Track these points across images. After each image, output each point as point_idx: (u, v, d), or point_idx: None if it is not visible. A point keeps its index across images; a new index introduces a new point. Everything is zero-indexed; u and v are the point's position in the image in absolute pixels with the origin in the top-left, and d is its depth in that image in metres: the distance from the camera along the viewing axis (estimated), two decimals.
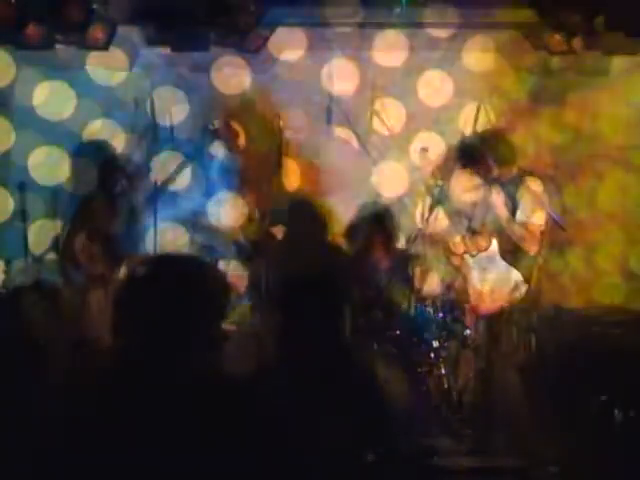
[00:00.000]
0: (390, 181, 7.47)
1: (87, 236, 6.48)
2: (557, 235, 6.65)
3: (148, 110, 7.50)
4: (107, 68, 7.66)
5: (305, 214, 6.73)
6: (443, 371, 6.29)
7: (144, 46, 7.58)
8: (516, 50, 7.58)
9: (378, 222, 6.71)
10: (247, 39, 7.40)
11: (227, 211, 7.27)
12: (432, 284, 6.73)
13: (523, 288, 6.42)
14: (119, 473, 2.41)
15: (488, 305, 6.49)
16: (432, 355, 6.33)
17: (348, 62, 7.82)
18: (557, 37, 7.07)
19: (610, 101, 7.73)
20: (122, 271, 6.14)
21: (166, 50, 7.39)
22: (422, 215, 6.61)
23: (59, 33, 7.17)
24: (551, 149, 7.76)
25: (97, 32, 7.16)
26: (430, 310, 6.49)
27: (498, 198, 6.38)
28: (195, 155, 7.56)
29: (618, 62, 7.59)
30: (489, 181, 6.42)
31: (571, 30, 6.85)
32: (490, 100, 7.52)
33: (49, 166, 7.40)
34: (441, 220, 6.62)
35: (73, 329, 5.80)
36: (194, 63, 7.62)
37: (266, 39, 7.49)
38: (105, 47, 7.25)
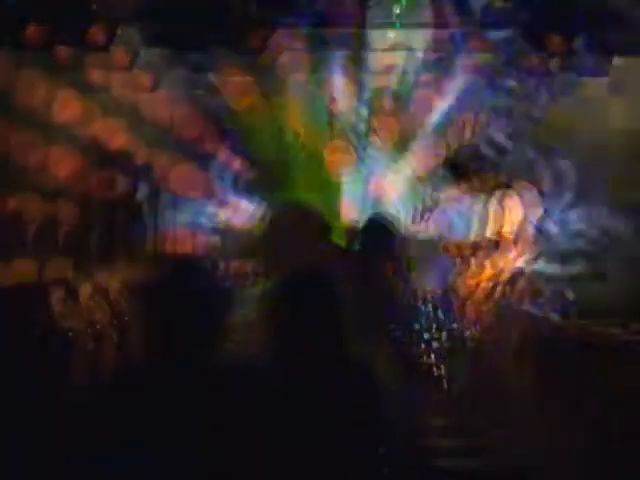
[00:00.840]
0: (387, 186, 7.69)
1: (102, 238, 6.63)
2: None
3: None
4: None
5: (310, 219, 6.93)
6: (442, 370, 6.44)
7: (144, 46, 7.62)
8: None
9: (377, 226, 6.91)
10: (247, 39, 7.43)
11: (238, 215, 7.46)
12: (428, 284, 6.90)
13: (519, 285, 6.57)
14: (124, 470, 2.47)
15: (485, 304, 6.63)
16: (431, 354, 6.49)
17: (348, 67, 7.96)
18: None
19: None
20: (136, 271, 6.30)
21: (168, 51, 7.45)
22: (415, 219, 7.00)
23: (59, 33, 7.19)
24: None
25: (97, 32, 7.18)
26: (429, 310, 6.65)
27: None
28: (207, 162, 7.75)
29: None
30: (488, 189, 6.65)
31: (551, 51, 7.01)
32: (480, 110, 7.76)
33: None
34: (431, 224, 6.88)
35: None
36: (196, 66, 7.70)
37: (266, 39, 7.52)
38: (105, 47, 7.28)
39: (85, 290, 6.26)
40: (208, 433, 2.48)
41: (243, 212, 7.57)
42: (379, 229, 6.82)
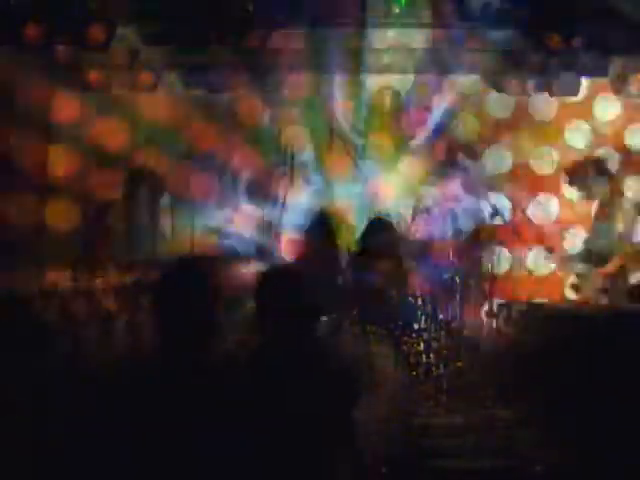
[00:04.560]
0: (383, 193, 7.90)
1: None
2: None
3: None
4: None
5: (314, 222, 7.20)
6: (432, 358, 6.88)
7: (143, 45, 7.63)
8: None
9: (375, 229, 7.17)
10: (246, 39, 7.43)
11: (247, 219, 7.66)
12: (420, 280, 7.25)
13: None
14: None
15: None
16: (422, 345, 6.95)
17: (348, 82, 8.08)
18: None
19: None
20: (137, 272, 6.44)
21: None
22: (408, 222, 7.46)
23: (59, 33, 7.18)
24: None
25: (97, 32, 7.18)
26: (424, 305, 7.05)
27: None
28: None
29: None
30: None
31: (551, 50, 7.05)
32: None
33: None
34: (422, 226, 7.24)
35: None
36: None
37: (265, 39, 7.52)
38: (105, 47, 7.28)
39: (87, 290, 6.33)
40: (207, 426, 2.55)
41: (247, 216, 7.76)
42: (380, 230, 7.07)
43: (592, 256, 6.69)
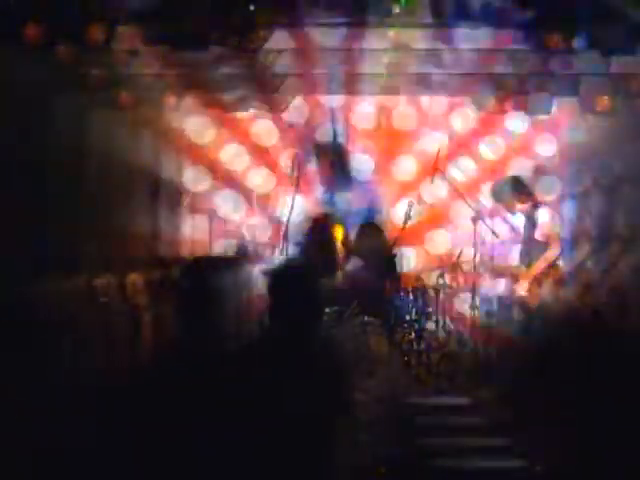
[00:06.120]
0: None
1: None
2: None
3: None
4: None
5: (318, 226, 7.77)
6: (422, 346, 7.45)
7: (143, 45, 7.64)
8: None
9: (372, 231, 7.84)
10: (246, 39, 7.44)
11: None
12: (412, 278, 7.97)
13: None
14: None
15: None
16: (413, 334, 7.54)
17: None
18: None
19: None
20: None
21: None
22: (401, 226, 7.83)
23: (59, 33, 7.19)
24: None
25: (97, 32, 7.19)
26: (417, 300, 7.60)
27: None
28: None
29: None
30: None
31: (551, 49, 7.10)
32: None
33: None
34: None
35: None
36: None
37: (265, 39, 7.53)
38: (105, 47, 7.30)
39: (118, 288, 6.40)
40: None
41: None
42: (371, 234, 7.46)
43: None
